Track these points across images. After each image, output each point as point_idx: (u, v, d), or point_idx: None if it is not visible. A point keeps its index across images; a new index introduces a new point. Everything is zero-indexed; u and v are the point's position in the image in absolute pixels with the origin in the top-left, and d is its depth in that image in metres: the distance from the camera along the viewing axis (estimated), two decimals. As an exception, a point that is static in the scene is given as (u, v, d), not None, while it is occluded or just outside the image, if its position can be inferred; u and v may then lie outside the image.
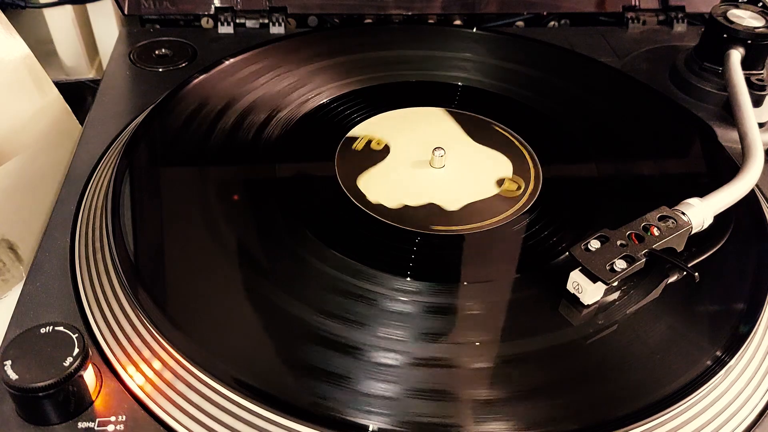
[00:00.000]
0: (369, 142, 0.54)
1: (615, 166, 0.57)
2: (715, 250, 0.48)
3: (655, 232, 0.44)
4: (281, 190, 0.53)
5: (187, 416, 0.38)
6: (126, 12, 0.75)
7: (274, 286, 0.44)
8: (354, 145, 0.54)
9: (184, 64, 0.69)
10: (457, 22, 0.80)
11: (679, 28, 0.79)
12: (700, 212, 0.46)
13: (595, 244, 0.44)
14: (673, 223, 0.45)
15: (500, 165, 0.56)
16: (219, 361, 0.39)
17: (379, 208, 0.50)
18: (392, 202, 0.51)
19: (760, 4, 0.69)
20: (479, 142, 0.58)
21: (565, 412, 0.38)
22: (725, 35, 0.64)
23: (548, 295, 0.45)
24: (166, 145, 0.56)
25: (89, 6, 0.78)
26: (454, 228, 0.50)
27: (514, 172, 0.55)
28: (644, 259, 0.43)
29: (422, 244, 0.48)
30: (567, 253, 0.44)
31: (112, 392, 0.39)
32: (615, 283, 0.43)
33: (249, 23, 0.76)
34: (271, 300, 0.43)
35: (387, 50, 0.70)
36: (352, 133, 0.56)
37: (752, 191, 0.50)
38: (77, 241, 0.49)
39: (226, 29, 0.75)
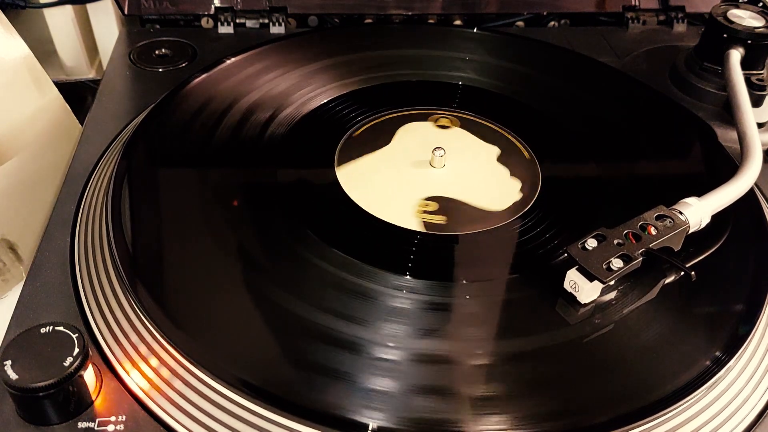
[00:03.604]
0: (428, 212, 0.51)
1: (615, 165, 0.57)
2: (713, 249, 0.48)
3: (653, 231, 0.44)
4: (281, 190, 0.53)
5: (187, 416, 0.38)
6: (126, 12, 0.76)
7: (274, 284, 0.44)
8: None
9: (184, 64, 0.69)
10: (457, 22, 0.80)
11: (679, 28, 0.79)
12: (697, 211, 0.46)
13: (592, 243, 0.44)
14: (670, 222, 0.45)
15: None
16: (219, 361, 0.39)
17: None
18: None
19: (760, 4, 0.69)
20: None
21: (563, 412, 0.38)
22: (725, 35, 0.64)
23: (546, 294, 0.45)
24: (166, 145, 0.56)
25: (89, 6, 0.78)
26: (453, 227, 0.50)
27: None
28: (641, 259, 0.43)
29: (421, 243, 0.48)
30: (564, 252, 0.44)
31: (112, 392, 0.39)
32: (612, 282, 0.43)
33: (249, 23, 0.76)
34: (271, 299, 0.43)
35: (387, 50, 0.70)
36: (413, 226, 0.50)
37: (752, 191, 0.50)
38: (77, 240, 0.49)
39: (226, 29, 0.75)
